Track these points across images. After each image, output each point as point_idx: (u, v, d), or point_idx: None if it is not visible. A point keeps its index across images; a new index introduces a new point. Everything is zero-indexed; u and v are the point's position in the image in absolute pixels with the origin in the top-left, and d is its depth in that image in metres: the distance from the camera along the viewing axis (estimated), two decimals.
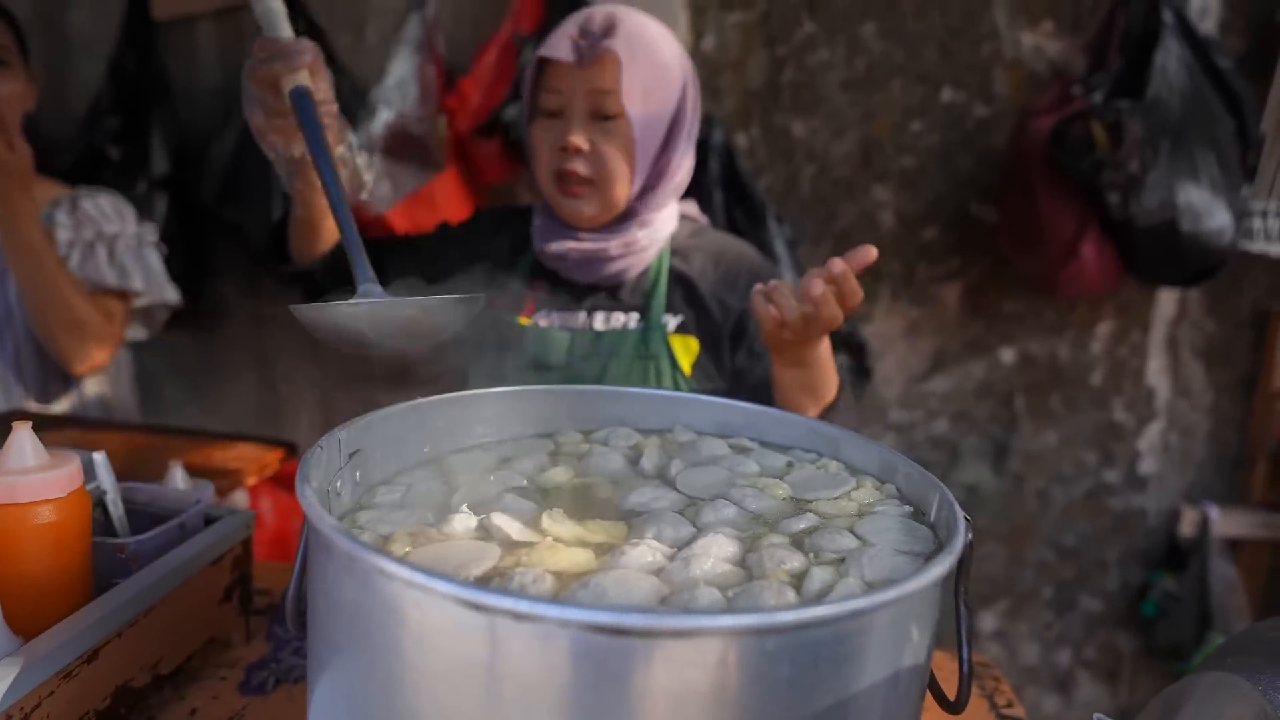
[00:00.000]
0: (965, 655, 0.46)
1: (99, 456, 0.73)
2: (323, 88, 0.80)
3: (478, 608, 0.34)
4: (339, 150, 0.85)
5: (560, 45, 0.99)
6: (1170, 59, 1.54)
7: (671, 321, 1.07)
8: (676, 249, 1.11)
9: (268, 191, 1.81)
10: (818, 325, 0.83)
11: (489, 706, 0.36)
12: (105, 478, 0.73)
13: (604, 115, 0.99)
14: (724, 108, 1.85)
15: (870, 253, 0.84)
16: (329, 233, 0.98)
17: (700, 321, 1.08)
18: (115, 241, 1.42)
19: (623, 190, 1.03)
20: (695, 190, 1.66)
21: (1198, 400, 1.93)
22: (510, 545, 0.48)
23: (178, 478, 0.80)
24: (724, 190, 1.72)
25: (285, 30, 0.80)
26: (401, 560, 0.36)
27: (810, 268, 0.85)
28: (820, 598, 0.43)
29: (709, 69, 1.83)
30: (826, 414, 0.96)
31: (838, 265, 0.81)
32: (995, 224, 1.82)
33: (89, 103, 1.91)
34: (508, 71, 1.73)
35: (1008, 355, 1.93)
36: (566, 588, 0.43)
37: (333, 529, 0.39)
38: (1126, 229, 1.56)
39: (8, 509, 0.56)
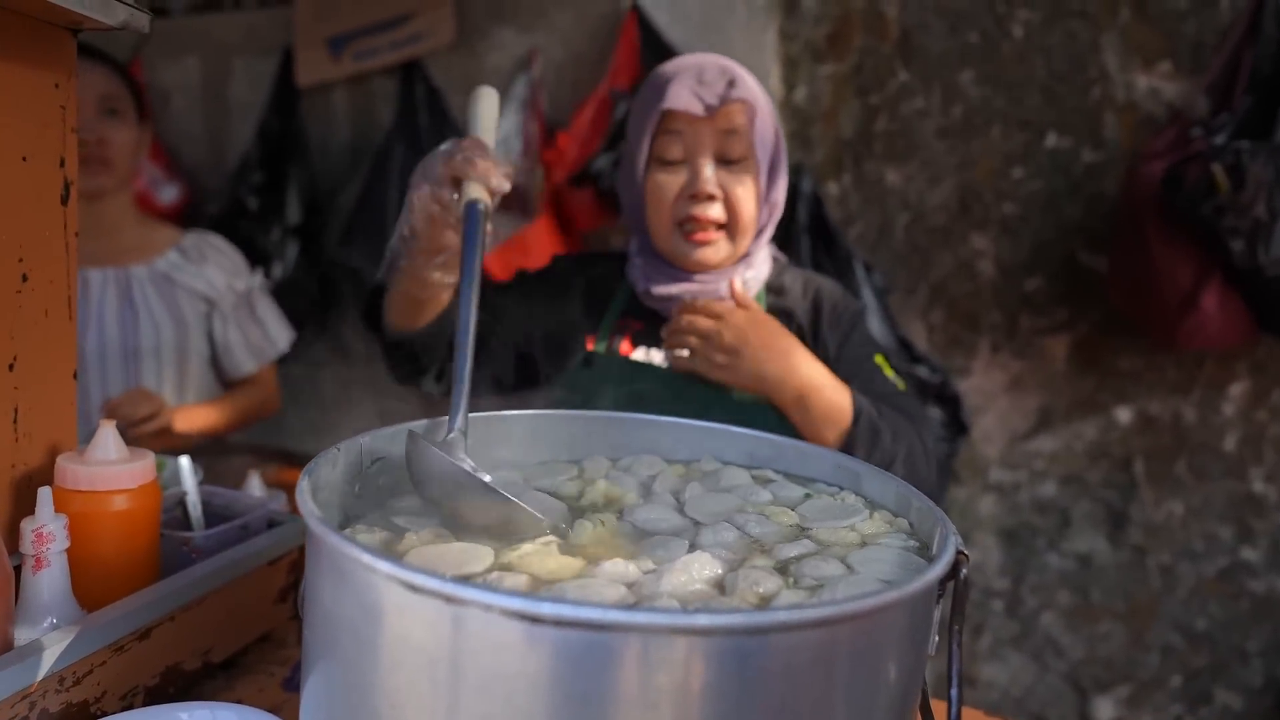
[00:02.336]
0: (955, 696, 0.44)
1: (184, 460, 0.81)
2: (491, 205, 0.79)
3: (414, 588, 0.36)
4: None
5: (686, 100, 1.01)
6: None
7: None
8: (771, 286, 1.13)
9: (384, 240, 1.96)
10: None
11: (449, 695, 0.37)
12: (188, 480, 0.80)
13: (730, 159, 1.02)
14: (815, 157, 1.85)
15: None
16: (433, 311, 0.98)
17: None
18: (237, 312, 1.58)
19: (752, 231, 1.05)
20: (784, 236, 1.67)
21: None
22: (505, 550, 0.50)
23: (254, 485, 0.87)
24: (811, 237, 1.71)
25: (491, 138, 0.81)
26: (368, 548, 0.38)
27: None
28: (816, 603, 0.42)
29: (800, 120, 1.84)
30: (851, 443, 0.94)
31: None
32: (1106, 274, 1.72)
33: (240, 159, 2.15)
34: (602, 125, 1.82)
35: (1124, 415, 1.79)
36: (536, 589, 0.44)
37: (316, 519, 0.42)
38: (1253, 279, 1.43)
39: (88, 495, 0.63)
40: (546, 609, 0.34)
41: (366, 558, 0.38)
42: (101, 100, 1.43)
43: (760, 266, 1.11)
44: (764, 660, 0.35)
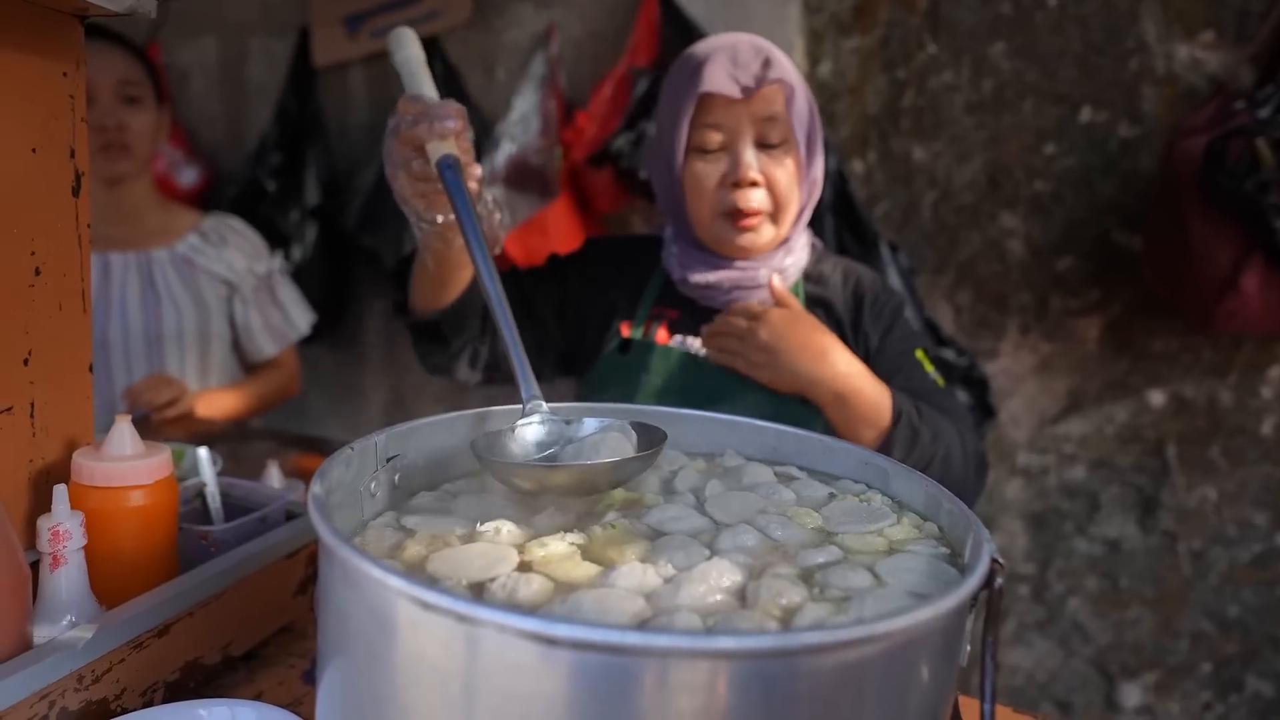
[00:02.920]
0: (988, 712, 0.42)
1: (203, 451, 0.81)
2: (466, 149, 0.77)
3: (426, 606, 0.34)
4: (478, 208, 0.82)
5: (722, 82, 0.98)
6: None
7: None
8: (809, 274, 1.11)
9: (401, 221, 1.95)
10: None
11: (464, 714, 0.36)
12: (206, 471, 0.80)
13: (769, 144, 0.99)
14: (839, 134, 1.81)
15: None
16: (456, 286, 0.97)
17: (842, 341, 1.06)
18: (258, 294, 1.58)
19: (794, 214, 1.04)
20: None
21: None
22: (527, 552, 0.48)
23: (273, 476, 0.87)
24: (835, 216, 1.68)
25: (429, 88, 0.77)
26: (380, 562, 0.37)
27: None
28: (845, 623, 0.41)
29: (825, 95, 1.80)
30: (890, 444, 0.92)
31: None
32: (1140, 253, 1.66)
33: (258, 140, 2.14)
34: (621, 104, 1.78)
35: (1157, 398, 1.74)
36: (551, 600, 0.42)
37: (327, 530, 0.40)
38: None
39: (104, 491, 0.62)
40: (562, 631, 0.33)
41: (378, 572, 0.36)
42: (120, 85, 1.42)
43: (799, 253, 1.09)
44: (789, 683, 0.34)
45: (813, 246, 1.15)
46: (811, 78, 1.80)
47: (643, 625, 0.41)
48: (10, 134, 0.62)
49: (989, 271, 1.78)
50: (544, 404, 0.61)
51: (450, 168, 0.71)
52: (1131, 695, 1.84)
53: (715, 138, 1.00)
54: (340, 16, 2.11)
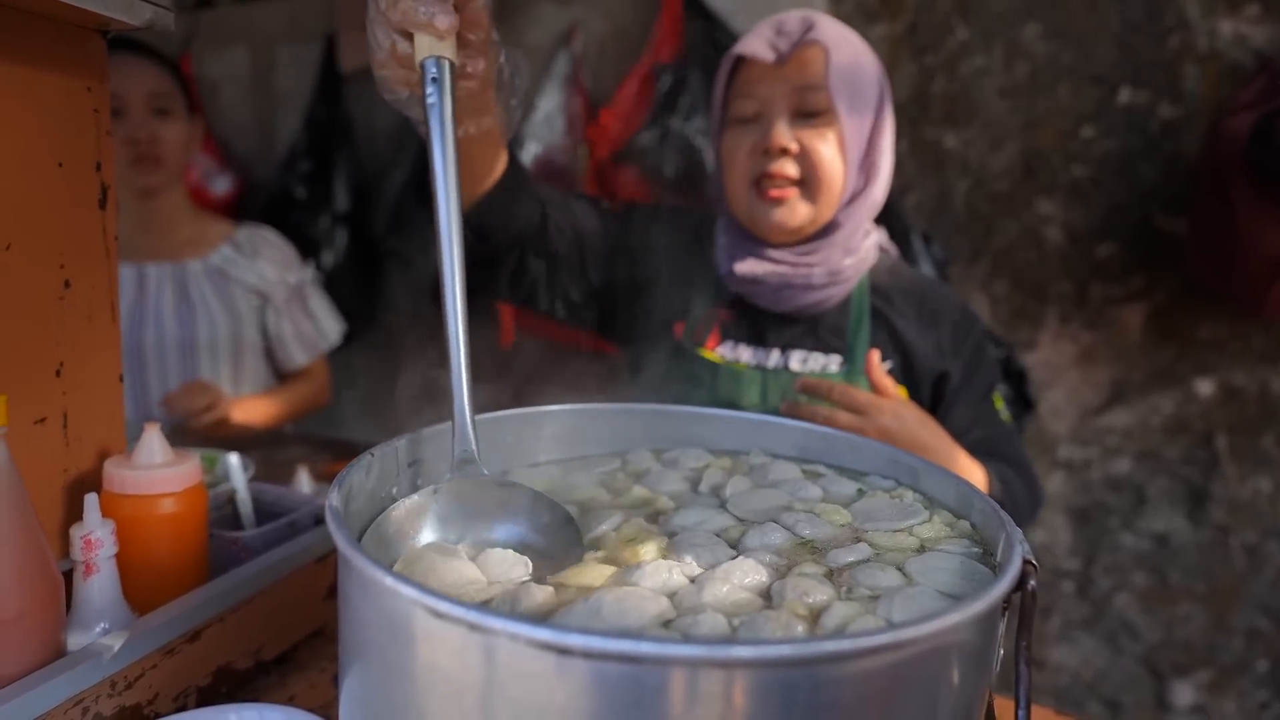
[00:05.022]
0: (1023, 718, 0.40)
1: (234, 458, 0.82)
2: (473, 39, 0.64)
3: (438, 615, 0.34)
4: (498, 106, 0.70)
5: (758, 45, 0.93)
6: None
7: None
8: (876, 286, 1.02)
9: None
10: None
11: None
12: (237, 478, 0.81)
13: (809, 112, 0.93)
14: None
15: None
16: (475, 178, 0.81)
17: (906, 369, 1.00)
18: (290, 305, 1.60)
19: (836, 192, 0.94)
20: None
21: None
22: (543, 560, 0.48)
23: (303, 481, 0.87)
24: None
25: None
26: (393, 572, 0.37)
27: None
28: (867, 631, 0.40)
29: None
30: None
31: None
32: (1185, 238, 1.61)
33: (288, 148, 2.17)
34: (646, 100, 1.77)
35: (1205, 387, 1.68)
36: (569, 603, 0.42)
37: (343, 537, 0.40)
38: None
39: (135, 499, 0.63)
40: (575, 640, 0.32)
41: (390, 581, 0.36)
42: (151, 98, 1.45)
43: (863, 254, 0.99)
44: (812, 691, 0.32)
45: (884, 250, 1.07)
46: None
47: (668, 626, 0.40)
48: (37, 149, 0.63)
49: (1026, 260, 1.74)
50: (480, 467, 0.52)
51: (435, 78, 0.54)
52: (1184, 694, 1.79)
53: (750, 106, 0.94)
54: (366, 21, 2.13)
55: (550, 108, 1.89)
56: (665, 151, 1.70)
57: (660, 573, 0.44)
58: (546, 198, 0.96)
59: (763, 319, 1.01)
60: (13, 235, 0.62)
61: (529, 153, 1.87)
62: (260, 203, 2.09)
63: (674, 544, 0.49)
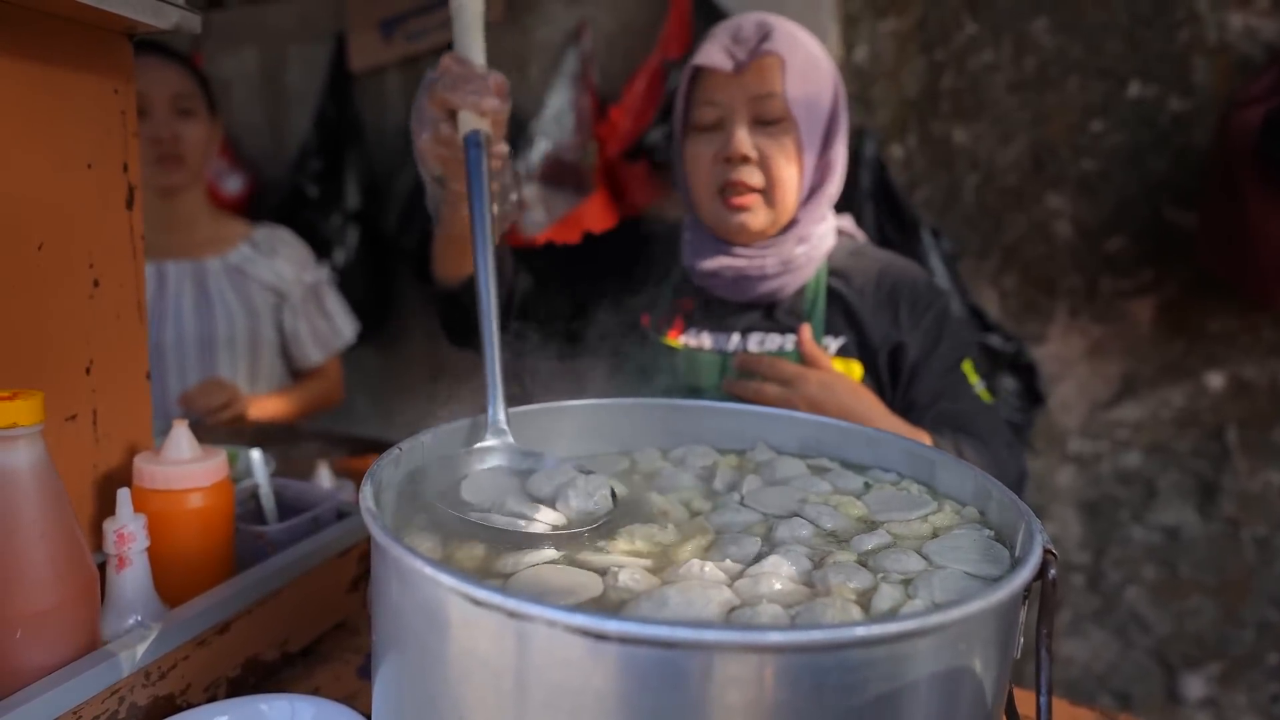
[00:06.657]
0: (1044, 705, 0.41)
1: (255, 454, 0.83)
2: (500, 122, 0.75)
3: (476, 602, 0.35)
4: (495, 183, 0.77)
5: (715, 55, 0.96)
6: None
7: (833, 344, 1.02)
8: (835, 268, 1.06)
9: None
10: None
11: (516, 709, 0.37)
12: (260, 473, 0.82)
13: (767, 120, 0.96)
14: (877, 119, 1.78)
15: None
16: (468, 256, 0.95)
17: (861, 345, 1.02)
18: (306, 303, 1.61)
19: (793, 197, 0.99)
20: (845, 204, 1.61)
21: None
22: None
23: (323, 477, 0.89)
24: (875, 203, 1.65)
25: (478, 51, 0.73)
26: (432, 560, 0.37)
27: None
28: (888, 617, 0.41)
29: (861, 81, 1.77)
30: None
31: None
32: (1195, 231, 1.61)
33: (299, 147, 2.18)
34: (655, 97, 1.78)
35: (1215, 380, 1.68)
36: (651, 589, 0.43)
37: (379, 529, 0.41)
38: None
39: (164, 494, 0.65)
40: (611, 626, 0.33)
41: (430, 570, 0.37)
42: (174, 99, 1.46)
43: (817, 242, 1.03)
44: (840, 675, 0.34)
45: (844, 234, 1.11)
46: (847, 63, 1.77)
47: (727, 618, 0.40)
48: (67, 151, 0.64)
49: (1035, 254, 1.74)
50: (509, 436, 0.58)
51: (476, 145, 0.68)
52: (1194, 687, 1.79)
53: (711, 114, 0.97)
54: (375, 21, 2.15)
55: (560, 105, 1.90)
56: (674, 148, 1.71)
57: (705, 569, 0.45)
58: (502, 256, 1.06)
59: (722, 307, 1.05)
60: (44, 235, 0.63)
61: (538, 151, 1.88)
62: (272, 202, 2.11)
63: (715, 541, 0.50)
